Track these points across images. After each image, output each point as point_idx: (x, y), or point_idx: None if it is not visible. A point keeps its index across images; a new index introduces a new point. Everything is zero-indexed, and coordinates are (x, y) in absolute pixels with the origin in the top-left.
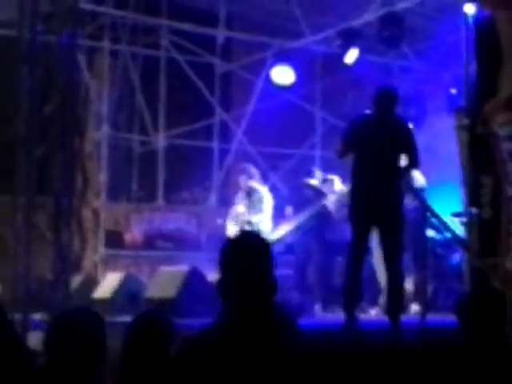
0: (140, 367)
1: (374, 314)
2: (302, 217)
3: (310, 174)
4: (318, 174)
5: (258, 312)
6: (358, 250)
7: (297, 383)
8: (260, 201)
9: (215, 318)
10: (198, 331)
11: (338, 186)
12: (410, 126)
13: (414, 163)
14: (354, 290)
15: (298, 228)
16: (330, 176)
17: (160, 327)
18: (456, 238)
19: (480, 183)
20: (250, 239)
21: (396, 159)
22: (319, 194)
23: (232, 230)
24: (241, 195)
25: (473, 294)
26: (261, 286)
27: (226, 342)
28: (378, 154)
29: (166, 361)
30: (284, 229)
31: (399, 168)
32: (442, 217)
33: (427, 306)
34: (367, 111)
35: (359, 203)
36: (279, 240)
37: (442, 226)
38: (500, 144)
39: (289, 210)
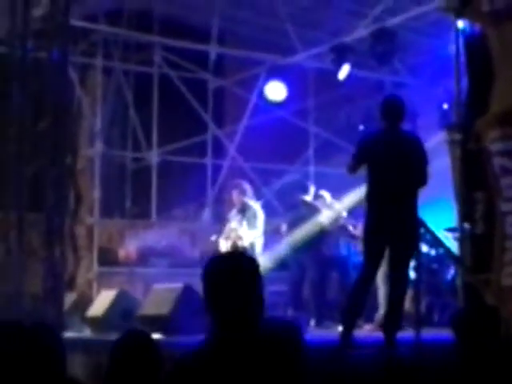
0: None
1: (368, 329)
2: (299, 236)
3: (305, 190)
4: (312, 189)
5: (246, 327)
6: (369, 271)
7: None
8: (254, 217)
9: (205, 336)
10: (187, 351)
11: (331, 201)
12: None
13: (424, 180)
14: (356, 309)
15: (294, 247)
16: (322, 192)
17: (144, 345)
18: (449, 253)
19: (473, 199)
20: (237, 255)
21: (409, 174)
22: (314, 210)
23: (224, 246)
24: (234, 211)
25: (468, 310)
26: (248, 302)
27: (218, 360)
28: (390, 169)
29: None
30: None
31: (413, 183)
32: (436, 232)
33: (421, 322)
34: (361, 127)
35: (374, 223)
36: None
37: (436, 242)
38: (492, 159)
39: (283, 227)
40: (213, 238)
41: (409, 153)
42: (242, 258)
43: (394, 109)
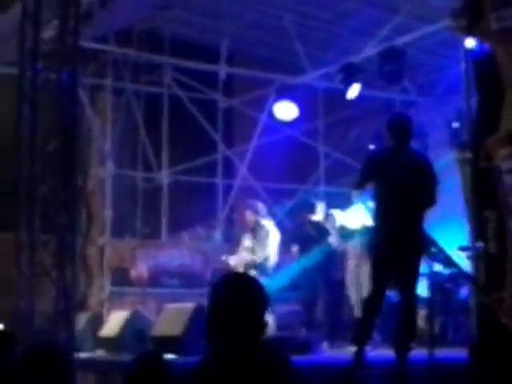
0: None
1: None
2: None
3: (313, 209)
4: (321, 207)
5: (243, 351)
6: (377, 290)
7: None
8: (266, 236)
9: (201, 357)
10: (184, 370)
11: (340, 219)
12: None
13: (432, 200)
14: (367, 330)
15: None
16: (332, 211)
17: (157, 369)
18: (462, 272)
19: (484, 217)
20: (242, 279)
21: (416, 193)
22: (322, 231)
23: (236, 265)
24: (247, 231)
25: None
26: (249, 326)
27: (212, 380)
28: (398, 188)
29: None
30: None
31: (420, 203)
32: (449, 251)
33: (435, 341)
34: (371, 146)
35: (380, 242)
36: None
37: (449, 261)
38: (503, 178)
39: (294, 248)
40: (224, 257)
41: (417, 172)
42: (247, 281)
43: (401, 127)
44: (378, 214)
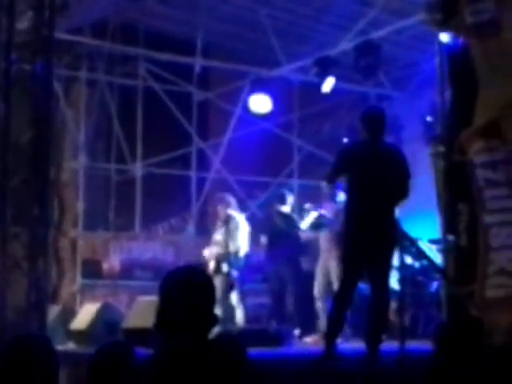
0: None
1: (309, 341)
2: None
3: (283, 200)
4: (290, 198)
5: (190, 346)
6: (348, 281)
7: None
8: (236, 228)
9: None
10: (137, 365)
11: (314, 214)
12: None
13: (404, 193)
14: (338, 323)
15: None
16: (307, 205)
17: (119, 358)
18: (433, 265)
19: (456, 210)
20: (191, 273)
21: (389, 186)
22: (290, 222)
23: (208, 257)
24: (219, 224)
25: (450, 324)
26: (199, 320)
27: (163, 371)
28: (370, 181)
29: None
30: None
31: (393, 196)
32: (420, 244)
33: (406, 334)
34: (345, 140)
35: (352, 234)
36: None
37: (420, 254)
38: (476, 171)
39: (263, 239)
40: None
41: (390, 165)
42: (194, 273)
43: (374, 119)
44: (351, 207)
